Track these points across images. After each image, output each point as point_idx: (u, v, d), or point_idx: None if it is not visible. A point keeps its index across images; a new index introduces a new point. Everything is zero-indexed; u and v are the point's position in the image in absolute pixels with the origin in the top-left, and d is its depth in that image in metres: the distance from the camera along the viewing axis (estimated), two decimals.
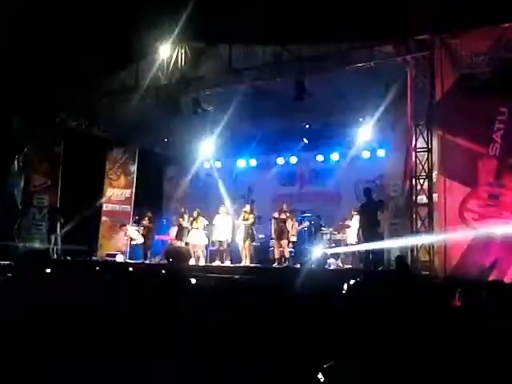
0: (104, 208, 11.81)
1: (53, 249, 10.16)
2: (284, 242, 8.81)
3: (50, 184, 10.84)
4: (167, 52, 8.76)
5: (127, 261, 10.30)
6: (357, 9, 6.59)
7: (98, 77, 9.49)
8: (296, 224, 9.55)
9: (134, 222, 11.09)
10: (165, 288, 3.30)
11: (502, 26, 6.33)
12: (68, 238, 10.40)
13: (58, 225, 10.29)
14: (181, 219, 10.16)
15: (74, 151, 10.88)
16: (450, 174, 6.68)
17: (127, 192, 11.95)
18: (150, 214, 10.58)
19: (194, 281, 5.03)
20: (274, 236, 9.14)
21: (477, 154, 6.49)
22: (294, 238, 9.40)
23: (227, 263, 9.47)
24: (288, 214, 9.03)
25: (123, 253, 10.86)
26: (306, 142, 10.88)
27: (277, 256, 8.88)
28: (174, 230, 10.53)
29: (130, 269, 6.13)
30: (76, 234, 10.45)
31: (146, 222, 10.50)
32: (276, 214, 8.94)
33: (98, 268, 7.64)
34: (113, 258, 10.44)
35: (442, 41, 6.73)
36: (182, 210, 10.37)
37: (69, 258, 10.05)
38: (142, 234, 10.48)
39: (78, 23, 9.10)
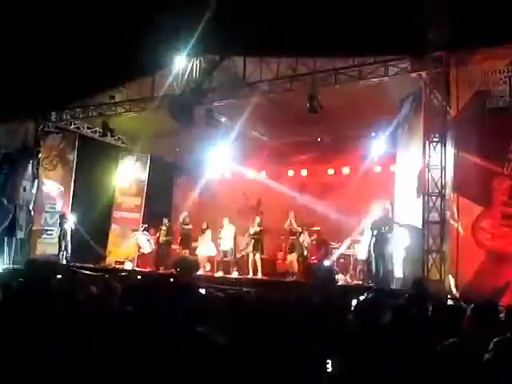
0: (114, 215, 11.89)
1: (63, 254, 10.22)
2: (293, 256, 8.75)
3: (63, 190, 10.97)
4: (182, 63, 8.87)
5: (135, 269, 10.29)
6: (373, 24, 6.61)
7: (113, 86, 9.63)
8: (306, 238, 9.49)
9: (144, 229, 11.10)
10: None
11: None
12: (78, 244, 10.46)
13: (69, 230, 10.37)
14: (183, 225, 10.21)
15: (87, 158, 11.01)
16: (464, 192, 6.59)
17: (137, 200, 12.03)
18: (166, 224, 10.56)
19: (203, 291, 5.00)
20: (284, 249, 9.10)
21: (491, 172, 6.41)
22: (304, 252, 9.34)
23: (234, 274, 9.42)
24: (300, 228, 9.00)
25: (132, 260, 10.86)
26: (316, 154, 10.84)
27: (287, 269, 8.83)
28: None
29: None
30: (86, 240, 10.50)
31: (163, 233, 10.46)
32: (289, 227, 8.92)
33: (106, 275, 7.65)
34: (121, 266, 10.45)
35: (457, 58, 6.71)
36: (184, 217, 10.40)
37: (77, 264, 10.09)
38: (156, 243, 10.49)
39: (97, 34, 9.28)
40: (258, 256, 9.10)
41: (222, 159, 11.38)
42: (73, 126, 10.88)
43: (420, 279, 6.15)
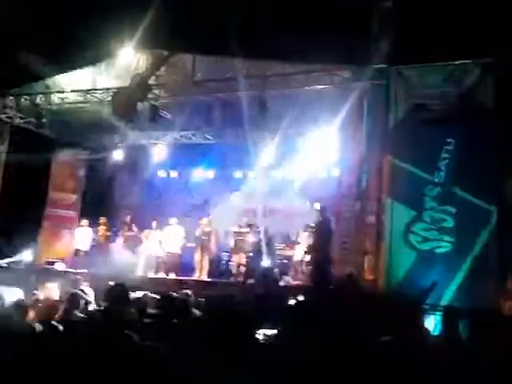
0: (46, 213, 11.13)
1: None
2: (240, 256, 8.79)
3: None
4: (127, 56, 8.56)
5: (68, 270, 9.71)
6: (320, 33, 6.82)
7: (51, 75, 9.05)
8: (252, 239, 9.55)
9: (88, 225, 10.48)
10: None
11: (455, 63, 6.85)
12: (5, 244, 9.67)
13: None
14: (126, 228, 9.89)
15: (19, 150, 10.21)
16: (398, 197, 7.01)
17: (73, 197, 11.37)
18: (104, 221, 10.11)
19: (141, 293, 4.83)
20: (231, 250, 9.12)
21: (423, 180, 6.89)
22: (249, 254, 9.38)
23: (171, 276, 9.23)
24: (246, 229, 9.06)
25: (64, 260, 10.24)
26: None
27: (234, 270, 8.86)
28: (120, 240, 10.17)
29: None
30: (14, 238, 9.75)
31: (102, 231, 10.01)
32: (236, 228, 8.94)
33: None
34: (52, 266, 9.81)
35: (398, 71, 7.14)
36: (129, 220, 10.08)
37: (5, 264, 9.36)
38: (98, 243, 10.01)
39: (35, 21, 8.66)
40: (206, 257, 9.03)
41: (167, 157, 11.13)
42: (4, 116, 10.06)
43: (348, 276, 6.42)
